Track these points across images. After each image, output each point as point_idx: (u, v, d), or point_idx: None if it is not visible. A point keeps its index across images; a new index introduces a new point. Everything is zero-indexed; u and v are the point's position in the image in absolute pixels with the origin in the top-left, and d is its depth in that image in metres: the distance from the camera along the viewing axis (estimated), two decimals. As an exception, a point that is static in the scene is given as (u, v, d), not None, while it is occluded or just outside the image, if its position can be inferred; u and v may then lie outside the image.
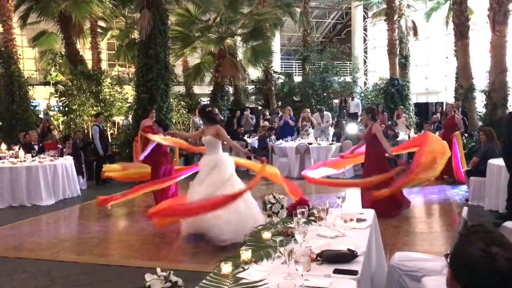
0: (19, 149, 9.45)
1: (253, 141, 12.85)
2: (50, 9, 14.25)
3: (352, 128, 11.66)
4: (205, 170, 5.87)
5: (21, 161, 8.83)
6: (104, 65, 18.65)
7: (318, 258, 2.72)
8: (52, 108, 18.10)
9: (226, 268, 2.57)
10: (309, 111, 13.71)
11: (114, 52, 20.34)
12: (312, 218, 3.59)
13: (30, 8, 14.91)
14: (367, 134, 7.08)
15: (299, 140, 11.79)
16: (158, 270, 1.99)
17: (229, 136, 6.39)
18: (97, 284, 4.58)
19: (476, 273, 1.38)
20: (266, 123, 13.63)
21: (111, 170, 7.93)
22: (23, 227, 7.03)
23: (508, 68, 11.34)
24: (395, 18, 17.43)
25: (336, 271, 2.56)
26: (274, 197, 3.51)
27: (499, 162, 6.94)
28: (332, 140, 11.79)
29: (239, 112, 15.73)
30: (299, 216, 3.13)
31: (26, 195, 8.57)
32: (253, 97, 20.94)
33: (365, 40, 26.66)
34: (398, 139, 11.84)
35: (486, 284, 1.36)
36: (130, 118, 14.64)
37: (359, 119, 14.93)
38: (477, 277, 1.37)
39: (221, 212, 5.38)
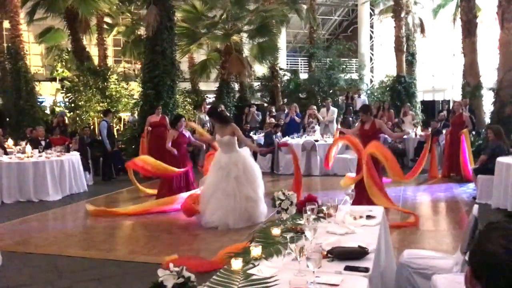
0: (26, 144, 9.48)
1: (259, 137, 12.83)
2: (57, 5, 14.30)
3: (358, 126, 11.61)
4: (232, 167, 6.18)
5: (28, 157, 8.86)
6: (110, 61, 18.67)
7: (329, 255, 2.70)
8: (59, 104, 18.16)
9: (237, 264, 2.56)
10: (315, 108, 13.69)
11: (120, 48, 20.35)
12: (321, 215, 3.57)
13: (37, 4, 14.95)
14: (369, 129, 7.06)
15: (305, 137, 11.76)
16: (171, 265, 1.98)
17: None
18: (105, 279, 4.58)
19: (497, 270, 1.35)
20: (272, 120, 13.60)
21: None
22: (30, 222, 7.06)
23: (517, 66, 11.26)
24: (402, 15, 17.34)
25: (347, 268, 2.54)
26: (284, 194, 3.50)
27: (508, 160, 6.90)
28: (339, 137, 11.74)
29: (247, 108, 15.73)
30: (308, 212, 3.12)
31: (33, 191, 8.59)
32: (259, 94, 20.90)
33: (371, 37, 26.53)
34: (404, 137, 11.77)
35: (508, 281, 1.35)
36: (136, 114, 14.66)
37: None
38: (498, 274, 1.35)
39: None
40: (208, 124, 12.69)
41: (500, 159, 7.07)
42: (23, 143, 9.78)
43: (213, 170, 6.33)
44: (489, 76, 12.69)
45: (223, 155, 6.31)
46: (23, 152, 9.13)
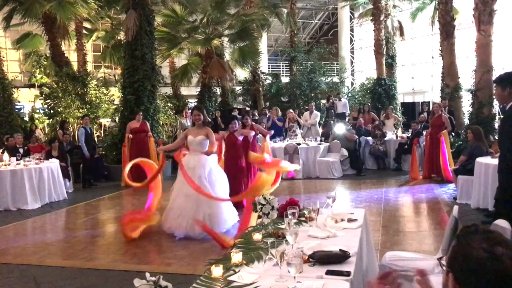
0: (3, 152, 9.28)
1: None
2: (34, 10, 14.03)
3: (340, 128, 11.68)
4: (198, 167, 6.13)
5: (5, 165, 8.67)
6: (89, 67, 18.44)
7: (310, 260, 2.68)
8: (38, 111, 17.86)
9: (217, 271, 2.53)
10: (292, 111, 13.76)
11: (100, 53, 20.15)
12: (303, 218, 3.55)
13: (13, 9, 14.67)
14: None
15: (288, 140, 11.77)
16: (147, 275, 1.93)
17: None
18: (85, 289, 4.49)
19: (482, 276, 1.32)
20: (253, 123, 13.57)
21: None
22: (8, 232, 6.90)
23: (494, 67, 11.43)
24: (381, 19, 17.54)
25: (329, 272, 2.52)
26: (265, 198, 3.47)
27: (487, 160, 6.98)
28: (321, 140, 11.79)
29: (219, 112, 15.71)
30: (290, 217, 3.09)
31: (11, 199, 8.40)
32: (240, 98, 20.91)
33: (351, 40, 26.78)
34: (386, 138, 11.88)
35: (492, 285, 1.32)
36: (117, 120, 14.50)
37: (346, 119, 14.99)
38: (484, 280, 1.32)
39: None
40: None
41: (479, 159, 7.15)
42: (0, 151, 9.56)
43: (181, 173, 6.26)
44: (467, 78, 12.87)
45: (192, 157, 6.28)
46: (0, 160, 8.93)
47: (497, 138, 7.13)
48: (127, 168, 6.81)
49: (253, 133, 8.41)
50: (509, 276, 1.31)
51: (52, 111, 14.55)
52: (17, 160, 9.04)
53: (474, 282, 1.34)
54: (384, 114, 13.73)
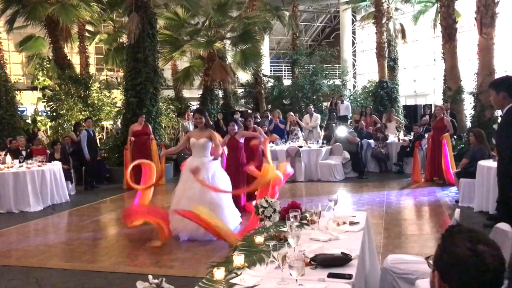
0: (5, 155, 9.30)
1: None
2: (37, 13, 14.11)
3: (342, 131, 11.68)
4: (201, 170, 6.10)
5: (8, 167, 8.69)
6: (92, 70, 18.52)
7: (312, 262, 2.69)
8: (40, 113, 17.92)
9: (219, 273, 2.53)
10: (292, 114, 13.77)
11: (102, 56, 20.22)
12: (305, 221, 3.55)
13: (16, 12, 14.74)
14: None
15: (290, 143, 11.77)
16: (150, 277, 1.94)
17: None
18: (87, 291, 4.50)
19: (465, 273, 1.39)
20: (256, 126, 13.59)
21: None
22: (10, 234, 6.91)
23: (496, 70, 11.42)
24: (383, 21, 17.56)
25: (331, 275, 2.52)
26: (266, 201, 3.47)
27: (489, 163, 6.97)
28: (322, 143, 11.80)
29: (221, 114, 15.75)
30: (292, 220, 3.10)
31: (14, 202, 8.42)
32: (242, 101, 20.93)
33: (353, 43, 26.78)
34: (387, 141, 11.87)
35: (476, 282, 1.38)
36: (119, 123, 14.53)
37: (348, 122, 15.00)
38: (467, 277, 1.39)
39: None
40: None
41: (481, 162, 7.14)
42: (3, 153, 9.58)
43: (184, 175, 6.29)
44: (469, 81, 12.87)
45: (195, 159, 6.31)
46: (3, 162, 8.95)
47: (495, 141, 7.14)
48: (129, 169, 6.97)
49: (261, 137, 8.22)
50: (490, 272, 1.38)
51: (54, 114, 14.60)
52: (19, 162, 9.06)
53: (458, 279, 1.41)
54: (386, 117, 13.72)
